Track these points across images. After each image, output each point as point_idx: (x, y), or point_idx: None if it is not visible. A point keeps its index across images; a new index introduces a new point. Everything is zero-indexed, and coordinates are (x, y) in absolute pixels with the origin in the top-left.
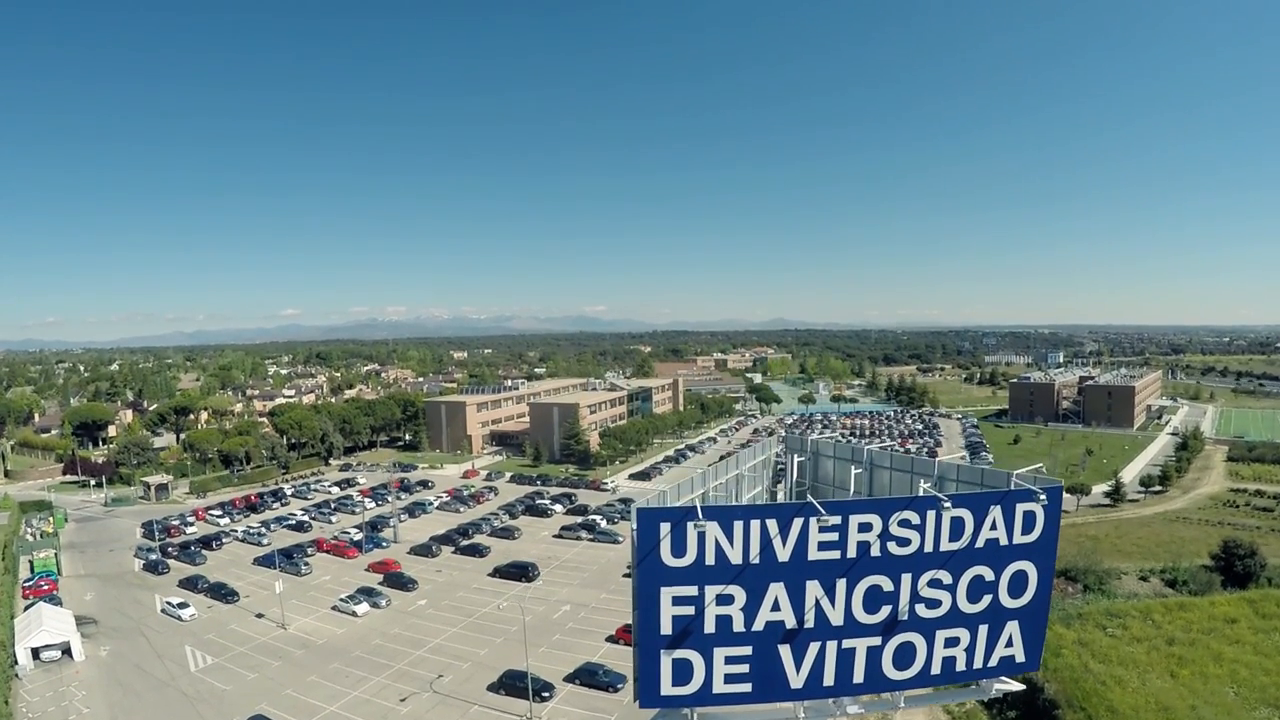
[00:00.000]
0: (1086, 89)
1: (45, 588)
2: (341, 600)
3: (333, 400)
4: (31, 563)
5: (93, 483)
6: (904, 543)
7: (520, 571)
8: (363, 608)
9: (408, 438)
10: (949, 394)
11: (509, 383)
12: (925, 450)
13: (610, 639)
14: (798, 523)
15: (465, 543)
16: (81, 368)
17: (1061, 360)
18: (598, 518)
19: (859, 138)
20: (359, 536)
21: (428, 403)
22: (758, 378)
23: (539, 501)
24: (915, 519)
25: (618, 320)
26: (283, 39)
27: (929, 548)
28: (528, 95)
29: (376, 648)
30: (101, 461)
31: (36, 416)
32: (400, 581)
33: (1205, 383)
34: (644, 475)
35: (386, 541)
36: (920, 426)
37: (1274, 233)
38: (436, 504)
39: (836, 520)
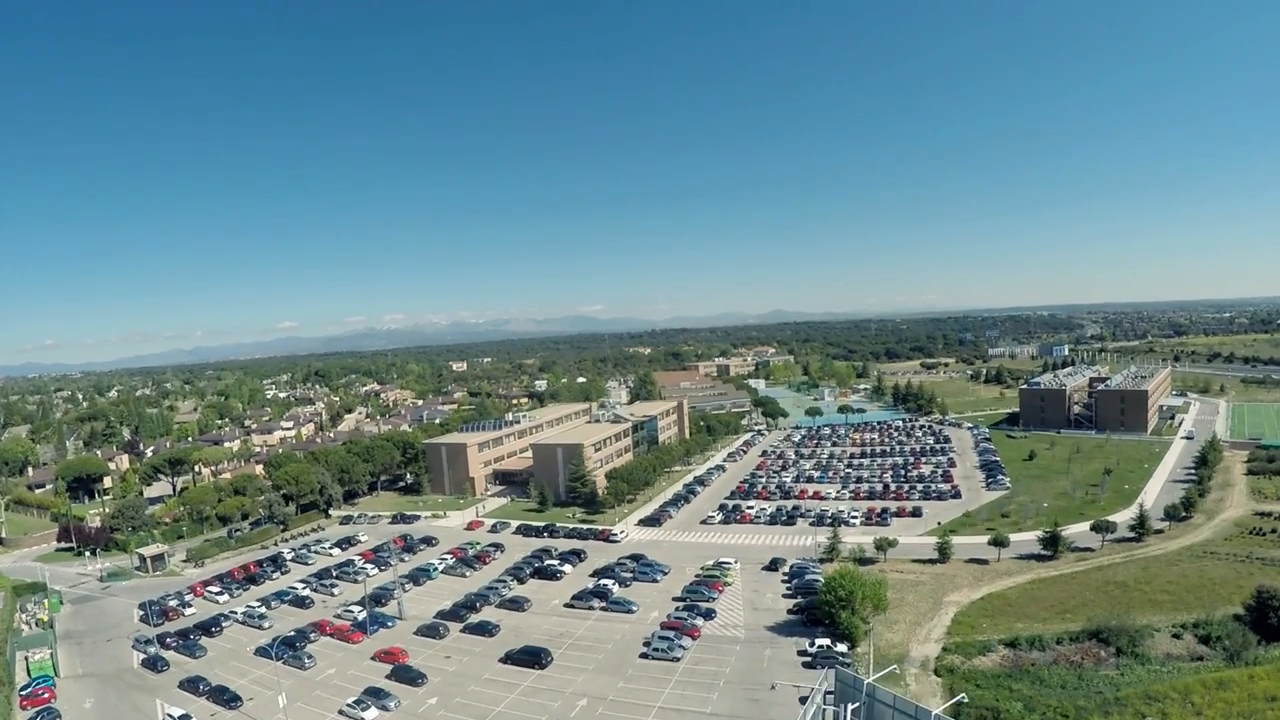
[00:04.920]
0: (1075, 70)
1: (45, 696)
2: (349, 705)
3: (331, 435)
4: (28, 664)
5: (87, 551)
6: None
7: (533, 658)
8: (371, 714)
9: (409, 478)
10: (956, 396)
11: (510, 416)
12: (939, 472)
13: None
14: None
15: (474, 619)
16: (80, 395)
17: (1067, 352)
18: (610, 583)
19: (849, 131)
20: (362, 615)
21: (428, 444)
22: (761, 384)
23: (548, 562)
24: None
25: (616, 319)
26: (273, 57)
27: None
28: (520, 103)
29: None
30: (96, 528)
31: (31, 469)
32: (409, 675)
33: (1212, 371)
34: (654, 520)
35: (391, 619)
36: (931, 440)
37: (1273, 204)
38: (441, 567)
39: None
